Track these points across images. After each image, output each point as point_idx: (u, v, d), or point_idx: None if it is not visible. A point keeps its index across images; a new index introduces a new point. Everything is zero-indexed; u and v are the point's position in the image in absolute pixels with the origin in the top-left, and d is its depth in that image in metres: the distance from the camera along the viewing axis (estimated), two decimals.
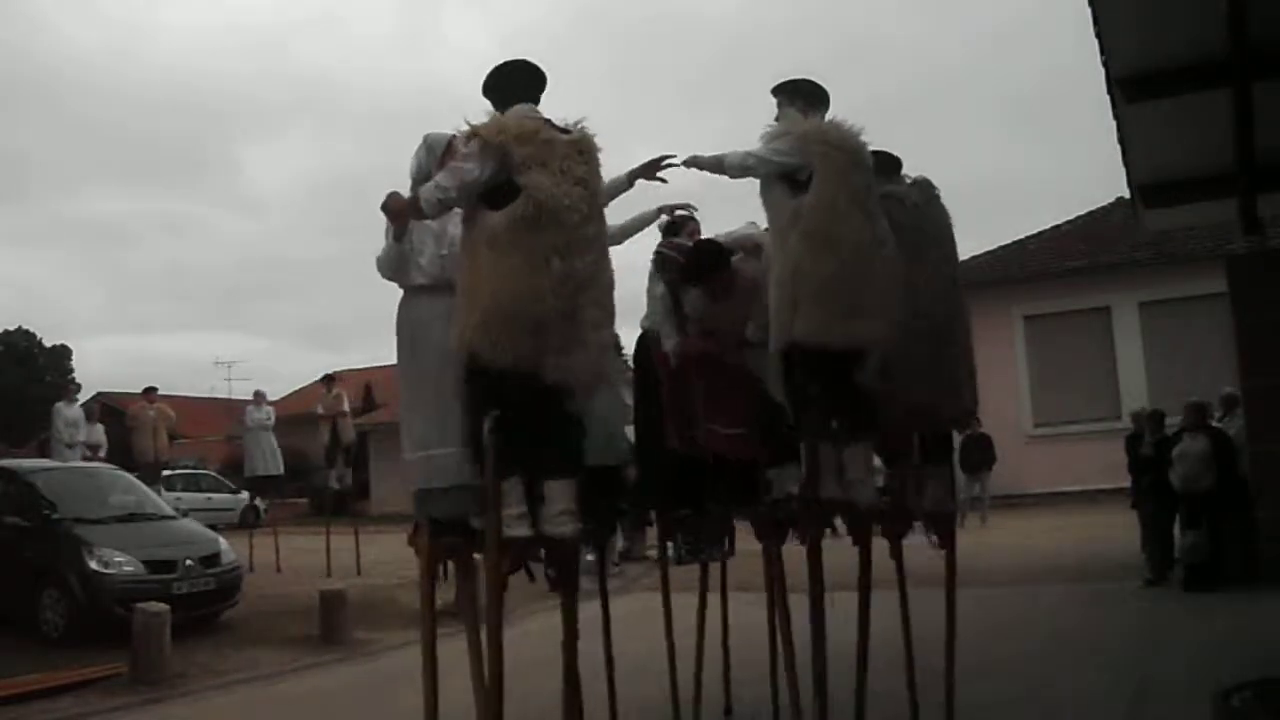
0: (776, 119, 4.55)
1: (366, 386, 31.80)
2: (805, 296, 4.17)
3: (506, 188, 3.75)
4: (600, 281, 3.87)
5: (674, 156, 4.57)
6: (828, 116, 4.51)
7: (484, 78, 4.14)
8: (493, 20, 73.89)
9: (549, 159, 3.78)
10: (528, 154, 3.75)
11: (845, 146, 4.36)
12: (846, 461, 4.40)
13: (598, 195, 3.94)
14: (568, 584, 3.97)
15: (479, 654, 4.35)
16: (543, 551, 3.88)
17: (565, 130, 3.95)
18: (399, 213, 4.13)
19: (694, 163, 4.51)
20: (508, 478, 3.75)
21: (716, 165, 4.42)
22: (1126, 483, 10.95)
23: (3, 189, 64.44)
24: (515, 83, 4.08)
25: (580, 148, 3.91)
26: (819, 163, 4.25)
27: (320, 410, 15.08)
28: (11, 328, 42.02)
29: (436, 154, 4.46)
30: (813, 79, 4.63)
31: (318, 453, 16.32)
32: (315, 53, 69.33)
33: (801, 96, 4.55)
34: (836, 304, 4.17)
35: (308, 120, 71.64)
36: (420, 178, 4.47)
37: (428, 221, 4.24)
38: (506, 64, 4.11)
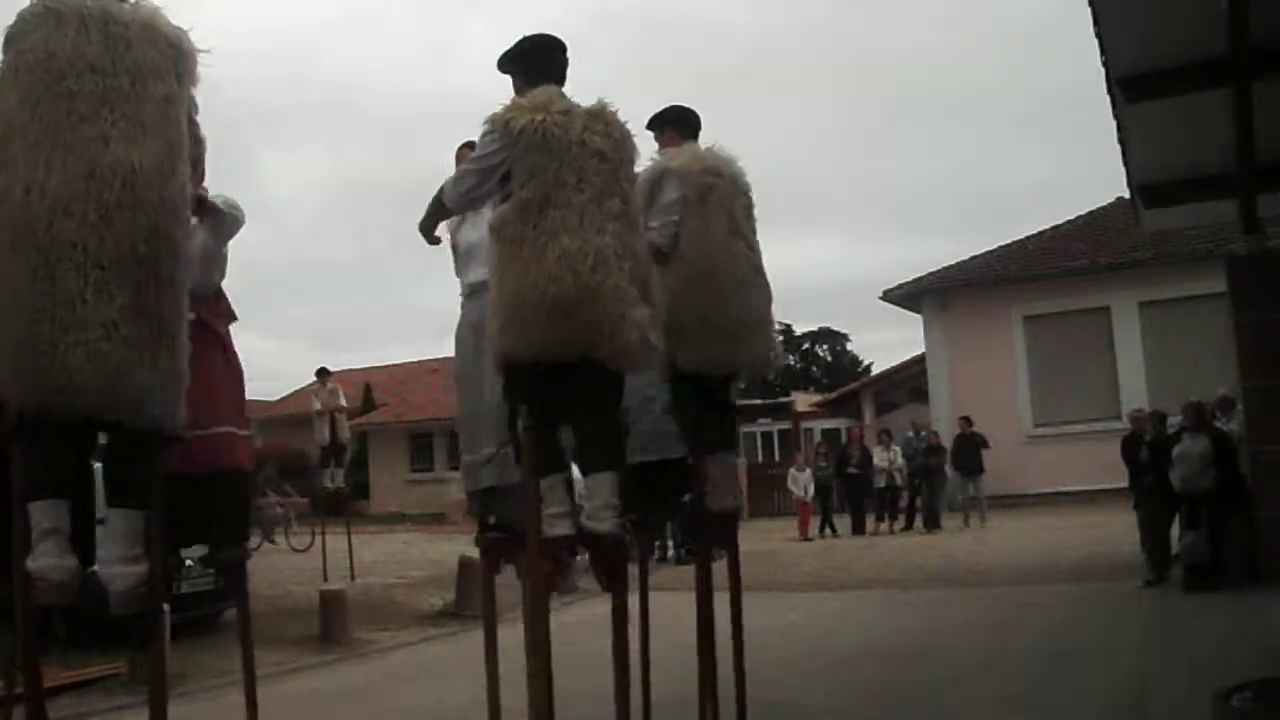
0: (658, 152, 4.50)
1: (366, 386, 31.77)
2: (687, 327, 4.15)
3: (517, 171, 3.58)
4: (631, 257, 3.61)
5: None
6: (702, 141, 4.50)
7: (502, 53, 3.89)
8: (509, 27, 73.85)
9: (560, 132, 3.56)
10: (536, 128, 3.54)
11: (726, 174, 4.37)
12: (722, 471, 4.46)
13: (622, 167, 3.72)
14: (615, 584, 3.75)
15: (494, 651, 4.41)
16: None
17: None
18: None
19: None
20: (547, 475, 3.61)
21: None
22: (1126, 483, 10.94)
23: None
24: (539, 63, 3.81)
25: (603, 119, 3.70)
26: (699, 192, 4.25)
27: (318, 406, 14.61)
28: None
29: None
30: (683, 105, 4.64)
31: (317, 452, 16.24)
32: (336, 61, 68.90)
33: (676, 125, 4.55)
34: (716, 334, 4.21)
35: (324, 127, 71.06)
36: None
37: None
38: (527, 40, 3.86)
